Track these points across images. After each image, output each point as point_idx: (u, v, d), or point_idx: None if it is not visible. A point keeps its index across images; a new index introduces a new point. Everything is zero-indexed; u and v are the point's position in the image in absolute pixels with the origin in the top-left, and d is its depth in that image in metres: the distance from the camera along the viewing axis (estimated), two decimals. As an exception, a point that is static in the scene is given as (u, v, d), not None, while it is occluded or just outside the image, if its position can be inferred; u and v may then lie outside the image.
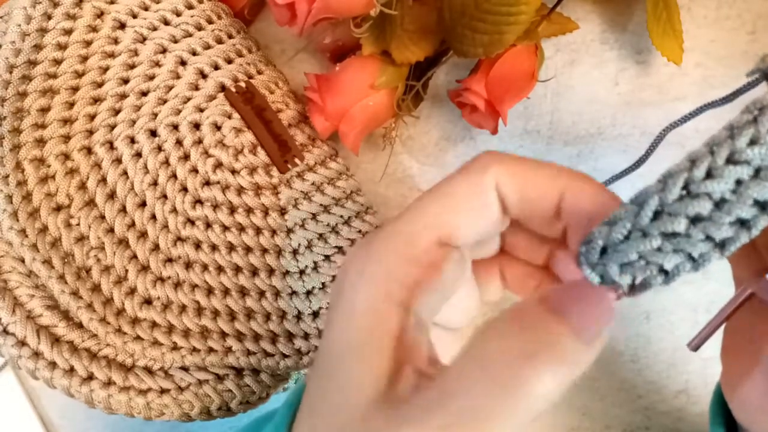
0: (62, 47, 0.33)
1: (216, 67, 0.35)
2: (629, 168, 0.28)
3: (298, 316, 0.34)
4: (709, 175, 0.16)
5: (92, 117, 0.33)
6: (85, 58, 0.34)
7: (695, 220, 0.16)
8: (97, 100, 0.33)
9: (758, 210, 0.16)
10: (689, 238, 0.16)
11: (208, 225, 0.33)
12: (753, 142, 0.15)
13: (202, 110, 0.34)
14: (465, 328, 0.25)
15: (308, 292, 0.34)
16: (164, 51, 0.34)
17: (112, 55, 0.34)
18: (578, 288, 0.18)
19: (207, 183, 0.33)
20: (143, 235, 0.33)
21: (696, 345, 0.22)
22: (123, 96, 0.34)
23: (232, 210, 0.33)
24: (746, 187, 0.15)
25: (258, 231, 0.34)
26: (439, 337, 0.21)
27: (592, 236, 0.18)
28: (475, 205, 0.20)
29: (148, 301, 0.33)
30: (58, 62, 0.33)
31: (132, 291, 0.32)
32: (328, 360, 0.19)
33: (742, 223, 0.16)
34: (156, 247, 0.33)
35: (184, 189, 0.33)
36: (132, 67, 0.34)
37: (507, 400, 0.16)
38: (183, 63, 0.34)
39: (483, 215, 0.20)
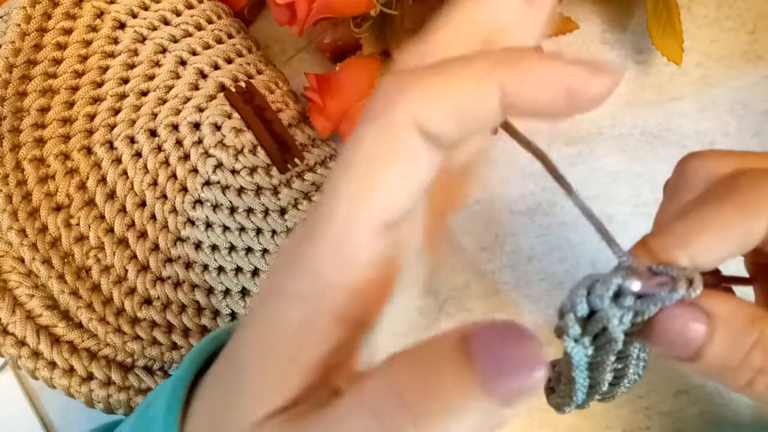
0: (62, 47, 0.33)
1: (216, 67, 0.35)
2: None
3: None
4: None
5: (92, 117, 0.33)
6: (84, 58, 0.34)
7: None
8: (96, 100, 0.33)
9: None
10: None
11: (208, 225, 0.33)
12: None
13: (202, 110, 0.34)
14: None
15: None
16: (164, 51, 0.34)
17: (111, 55, 0.34)
18: (510, 331, 0.14)
19: (207, 183, 0.33)
20: (143, 235, 0.33)
21: None
22: (123, 96, 0.34)
23: (233, 210, 0.33)
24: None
25: (258, 231, 0.33)
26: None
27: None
28: (400, 166, 0.15)
29: (147, 301, 0.33)
30: (57, 62, 0.33)
31: (132, 291, 0.32)
32: (232, 364, 0.17)
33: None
34: (156, 247, 0.33)
35: (184, 189, 0.33)
36: (132, 66, 0.34)
37: None
38: (183, 63, 0.34)
39: (412, 172, 0.16)
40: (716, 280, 0.22)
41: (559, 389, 0.22)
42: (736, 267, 0.23)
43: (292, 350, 0.16)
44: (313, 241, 0.16)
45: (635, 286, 0.18)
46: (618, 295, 0.18)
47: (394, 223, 0.16)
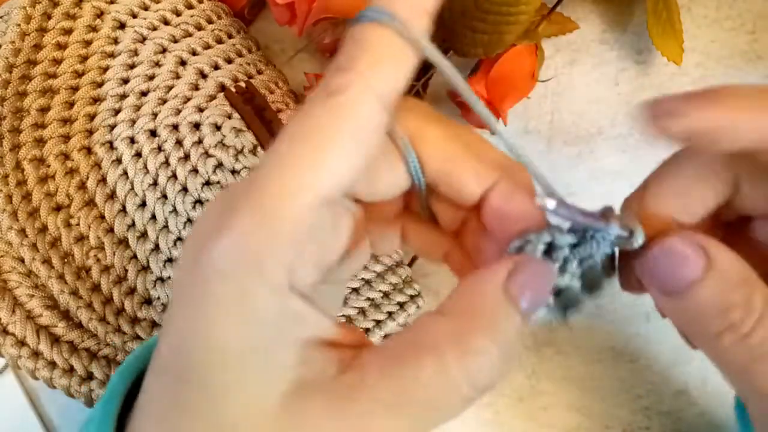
0: (62, 47, 0.33)
1: (216, 67, 0.35)
2: None
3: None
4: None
5: (92, 117, 0.33)
6: (84, 58, 0.34)
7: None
8: (96, 100, 0.33)
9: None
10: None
11: (208, 225, 0.33)
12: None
13: (202, 110, 0.33)
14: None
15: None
16: (164, 51, 0.34)
17: (111, 55, 0.34)
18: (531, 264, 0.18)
19: (207, 183, 0.33)
20: (143, 235, 0.33)
21: None
22: (123, 96, 0.34)
23: (232, 210, 0.33)
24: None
25: (258, 231, 0.33)
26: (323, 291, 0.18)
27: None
28: (369, 151, 0.16)
29: (148, 301, 0.33)
30: (57, 62, 0.33)
31: (132, 291, 0.32)
32: (205, 369, 0.16)
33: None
34: (156, 248, 0.33)
35: (185, 189, 0.33)
36: (132, 67, 0.34)
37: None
38: (183, 63, 0.34)
39: (385, 171, 0.18)
40: None
41: None
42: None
43: (275, 332, 0.16)
44: (254, 216, 0.15)
45: (550, 204, 0.18)
46: (550, 251, 0.18)
47: (332, 199, 0.16)
